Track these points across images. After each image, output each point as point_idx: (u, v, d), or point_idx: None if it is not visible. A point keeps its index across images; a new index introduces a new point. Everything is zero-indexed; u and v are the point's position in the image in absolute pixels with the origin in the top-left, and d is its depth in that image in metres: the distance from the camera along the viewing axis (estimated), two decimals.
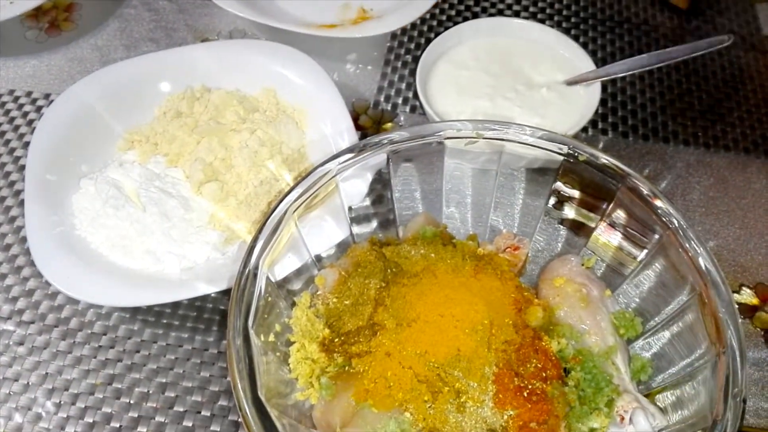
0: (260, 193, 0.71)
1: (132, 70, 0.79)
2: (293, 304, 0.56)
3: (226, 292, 0.64)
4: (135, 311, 0.69)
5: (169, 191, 0.71)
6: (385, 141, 0.57)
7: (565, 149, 0.57)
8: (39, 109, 0.87)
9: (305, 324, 0.54)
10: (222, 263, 0.68)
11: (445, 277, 0.55)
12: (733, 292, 0.71)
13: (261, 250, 0.52)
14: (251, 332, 0.49)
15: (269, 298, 0.52)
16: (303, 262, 0.58)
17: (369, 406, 0.49)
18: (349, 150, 0.56)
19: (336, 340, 0.53)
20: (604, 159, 0.56)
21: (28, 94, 0.89)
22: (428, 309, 0.52)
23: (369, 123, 0.85)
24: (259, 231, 0.52)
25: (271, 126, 0.76)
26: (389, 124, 0.85)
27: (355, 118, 0.84)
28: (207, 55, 0.81)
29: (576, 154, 0.57)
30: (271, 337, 0.52)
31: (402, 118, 0.85)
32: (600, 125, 0.85)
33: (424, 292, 0.54)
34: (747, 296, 0.69)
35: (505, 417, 0.49)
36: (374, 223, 0.63)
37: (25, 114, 0.86)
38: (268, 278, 0.52)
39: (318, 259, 0.59)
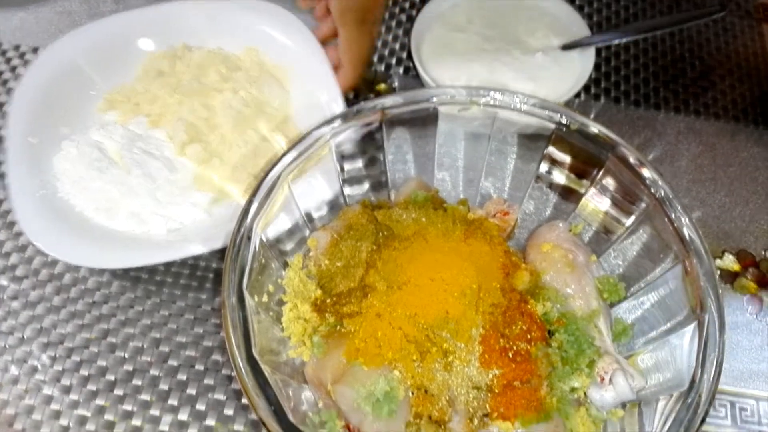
0: (245, 154, 0.71)
1: (115, 27, 0.77)
2: (286, 264, 0.57)
3: (218, 252, 0.65)
4: (128, 268, 0.70)
5: (152, 152, 0.71)
6: (379, 106, 0.57)
7: (557, 117, 0.57)
8: (27, 63, 0.86)
9: (298, 285, 0.55)
10: (209, 224, 0.68)
11: (435, 241, 0.56)
12: (716, 258, 0.73)
13: (255, 213, 0.53)
14: (245, 293, 0.50)
15: (263, 260, 0.53)
16: (295, 224, 0.58)
17: (359, 363, 0.50)
18: (344, 115, 0.56)
19: (328, 300, 0.54)
20: (595, 128, 0.57)
21: (16, 47, 0.87)
22: (419, 272, 0.53)
23: (361, 84, 0.84)
24: (254, 194, 0.53)
25: (255, 86, 0.75)
26: (382, 85, 0.85)
27: None
28: (193, 12, 0.79)
29: (568, 123, 0.57)
30: (264, 297, 0.53)
31: (396, 80, 0.85)
32: (593, 90, 0.85)
33: (414, 255, 0.55)
34: (729, 262, 0.71)
35: (491, 376, 0.51)
36: (366, 185, 0.64)
37: (14, 68, 0.85)
38: (261, 240, 0.53)
39: (310, 220, 0.60)
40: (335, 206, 0.62)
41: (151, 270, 0.70)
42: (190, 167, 0.71)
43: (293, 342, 0.54)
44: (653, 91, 0.86)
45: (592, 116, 0.82)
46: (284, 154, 0.55)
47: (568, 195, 0.64)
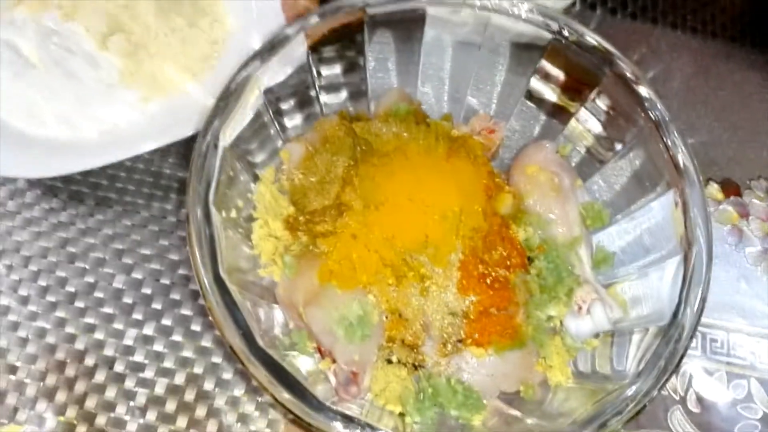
0: (173, 42, 0.65)
1: None
2: (256, 178, 0.53)
3: (182, 159, 0.61)
4: (87, 173, 0.65)
5: (71, 48, 0.64)
6: (360, 3, 0.52)
7: (555, 26, 0.53)
8: None
9: (269, 200, 0.52)
10: (144, 124, 0.63)
11: (416, 158, 0.53)
12: None
13: (223, 118, 0.48)
14: (211, 207, 0.46)
15: (231, 172, 0.49)
16: (267, 134, 0.54)
17: (333, 286, 0.48)
18: (321, 13, 0.51)
19: (301, 218, 0.51)
20: (594, 40, 0.53)
21: None
22: (397, 192, 0.50)
23: None
24: (221, 97, 0.48)
25: None
26: None
27: None
28: None
29: (566, 33, 0.53)
30: (233, 213, 0.50)
31: None
32: None
33: (394, 173, 0.51)
34: (713, 191, 0.69)
35: (467, 302, 0.49)
36: (344, 94, 0.59)
37: None
38: (229, 150, 0.49)
39: (283, 129, 0.56)
40: (311, 115, 0.57)
41: (112, 175, 0.66)
42: (115, 62, 0.64)
43: (264, 260, 0.51)
44: (651, 3, 0.81)
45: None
46: (256, 53, 0.50)
47: (558, 114, 0.60)
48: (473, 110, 0.62)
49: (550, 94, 0.60)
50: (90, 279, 0.62)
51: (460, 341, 0.50)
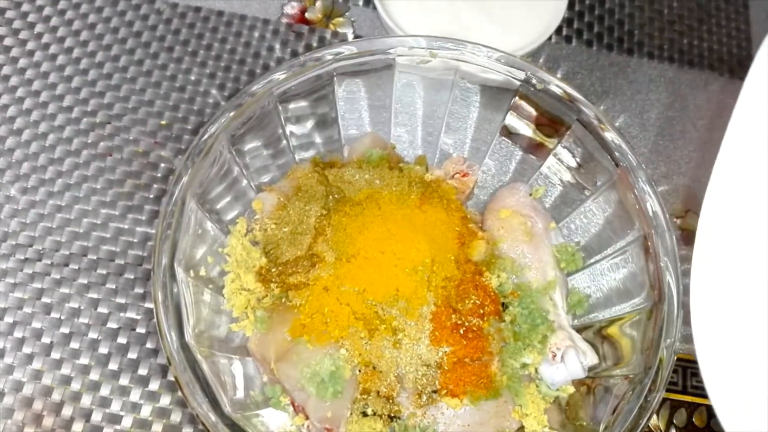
0: None
1: None
2: (228, 231, 0.53)
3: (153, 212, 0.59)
4: (63, 223, 0.65)
5: None
6: (330, 57, 0.52)
7: (522, 75, 0.53)
8: None
9: (241, 253, 0.52)
10: None
11: (388, 207, 0.52)
12: (679, 217, 0.71)
13: (189, 178, 0.48)
14: (178, 269, 0.46)
15: (199, 230, 0.49)
16: (238, 187, 0.54)
17: (304, 341, 0.48)
18: (289, 66, 0.51)
19: (273, 269, 0.51)
20: (560, 89, 0.53)
21: None
22: (369, 244, 0.50)
23: (319, 18, 0.77)
24: (188, 157, 0.48)
25: None
26: (340, 19, 0.78)
27: (303, 11, 0.77)
28: None
29: (534, 83, 0.53)
30: (202, 271, 0.50)
31: (354, 14, 0.78)
32: (564, 32, 0.80)
33: (366, 224, 0.51)
34: (693, 222, 0.69)
35: (440, 353, 0.49)
36: (317, 140, 0.59)
37: None
38: (197, 207, 0.49)
39: (255, 180, 0.56)
40: (284, 165, 0.57)
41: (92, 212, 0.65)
42: None
43: (236, 314, 0.51)
44: (627, 33, 0.81)
45: (562, 64, 0.77)
46: (222, 110, 0.50)
47: (535, 150, 0.60)
48: (448, 152, 0.62)
49: (526, 130, 0.60)
50: (65, 330, 0.61)
51: (435, 392, 0.49)
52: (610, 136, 0.51)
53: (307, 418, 0.48)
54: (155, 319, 0.43)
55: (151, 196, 0.66)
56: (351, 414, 0.49)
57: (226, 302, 0.51)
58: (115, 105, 0.70)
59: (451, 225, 0.53)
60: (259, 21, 0.76)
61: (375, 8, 0.70)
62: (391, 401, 0.50)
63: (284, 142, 0.56)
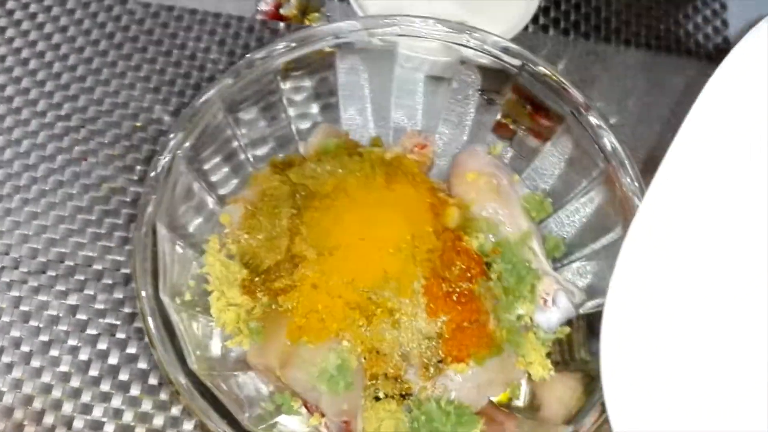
0: None
1: None
2: (203, 252, 0.53)
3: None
4: (39, 230, 0.63)
5: None
6: (274, 54, 0.50)
7: (462, 39, 0.53)
8: None
9: (220, 270, 0.51)
10: None
11: (357, 194, 0.52)
12: None
13: (155, 206, 0.47)
14: (164, 298, 0.46)
15: (175, 255, 0.49)
16: (205, 207, 0.53)
17: (305, 342, 0.48)
18: (233, 73, 0.49)
19: (256, 279, 0.51)
20: (499, 45, 0.53)
21: None
22: (347, 234, 0.50)
23: (294, 14, 0.75)
24: (149, 186, 0.47)
25: None
26: (315, 15, 0.76)
27: (277, 7, 0.75)
28: None
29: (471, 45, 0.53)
30: (187, 296, 0.49)
31: (329, 9, 0.76)
32: (541, 20, 0.78)
33: (339, 215, 0.51)
34: None
35: (439, 323, 0.50)
36: (271, 143, 0.58)
37: None
38: (168, 234, 0.48)
39: (215, 191, 0.55)
40: (242, 174, 0.56)
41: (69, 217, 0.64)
42: None
43: (228, 331, 0.51)
44: (604, 21, 0.79)
45: (538, 54, 0.74)
46: (174, 129, 0.48)
47: (487, 109, 0.60)
48: (401, 127, 0.61)
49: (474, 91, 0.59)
50: (44, 337, 0.60)
51: (440, 361, 0.50)
52: (555, 81, 0.52)
53: (323, 416, 0.49)
54: (155, 356, 0.44)
55: (128, 199, 0.65)
56: (364, 402, 0.50)
57: (216, 321, 0.51)
58: (89, 108, 0.68)
59: (422, 198, 0.53)
60: (234, 18, 0.74)
61: (349, 3, 0.67)
62: (400, 380, 0.51)
63: (241, 155, 0.56)
